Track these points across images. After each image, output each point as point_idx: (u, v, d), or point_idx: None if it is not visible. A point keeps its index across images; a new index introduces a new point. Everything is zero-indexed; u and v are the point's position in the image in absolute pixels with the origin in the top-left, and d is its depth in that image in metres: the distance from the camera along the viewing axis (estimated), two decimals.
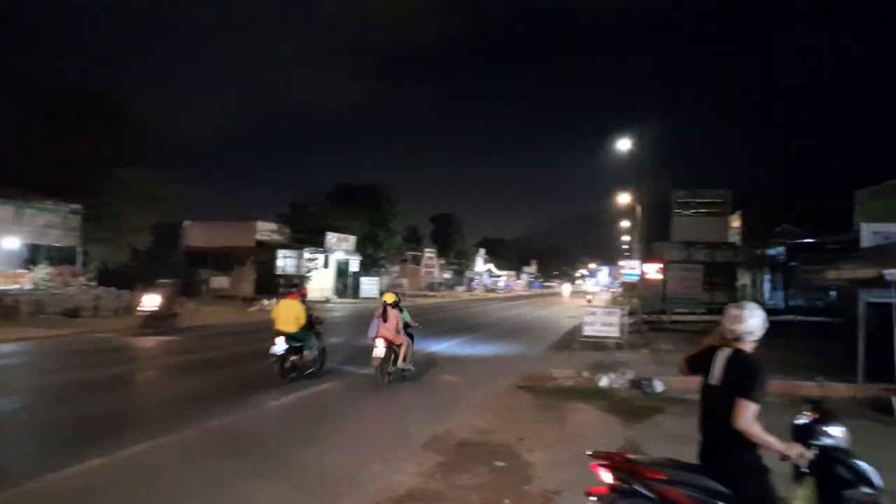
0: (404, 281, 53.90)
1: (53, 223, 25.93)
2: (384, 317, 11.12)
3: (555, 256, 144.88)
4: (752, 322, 3.62)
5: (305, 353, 11.29)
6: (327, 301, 39.56)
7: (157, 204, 30.33)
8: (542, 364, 14.06)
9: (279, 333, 10.83)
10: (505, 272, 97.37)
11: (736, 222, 37.00)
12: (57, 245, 26.52)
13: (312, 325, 11.63)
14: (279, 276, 34.91)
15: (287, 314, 11.04)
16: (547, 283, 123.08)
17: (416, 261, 63.20)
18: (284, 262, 35.99)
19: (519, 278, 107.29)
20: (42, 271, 24.79)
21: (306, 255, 37.22)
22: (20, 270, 24.94)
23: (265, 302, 31.30)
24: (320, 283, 40.91)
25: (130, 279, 27.21)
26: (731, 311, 3.71)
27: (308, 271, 37.96)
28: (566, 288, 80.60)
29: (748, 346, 3.65)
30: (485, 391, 11.18)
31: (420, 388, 11.48)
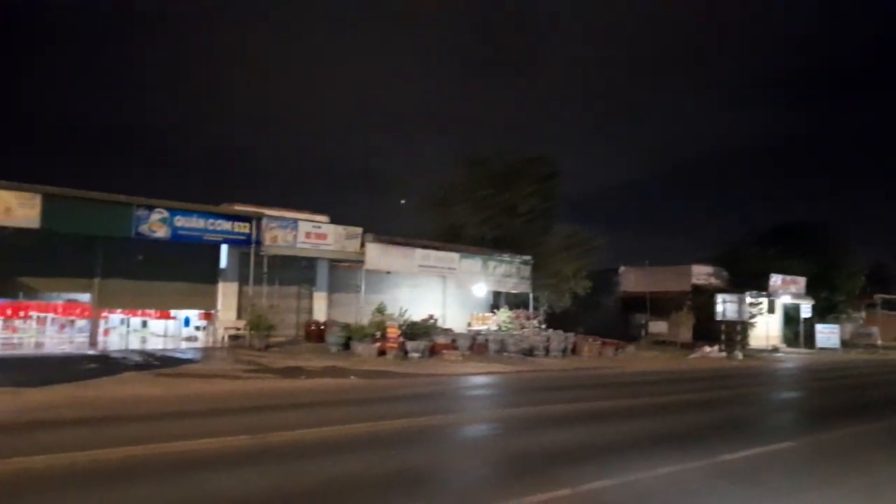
0: (874, 329, 45.14)
1: (510, 273, 29.60)
2: None
3: None
4: None
5: None
6: (775, 350, 35.67)
7: (590, 252, 32.40)
8: None
9: None
10: None
11: None
12: (513, 292, 30.16)
13: None
14: (719, 321, 32.97)
15: None
16: None
17: (891, 305, 52.36)
18: (724, 306, 33.86)
19: None
20: (503, 315, 28.50)
21: (748, 299, 34.38)
22: (487, 314, 29.20)
23: (706, 349, 29.87)
24: (765, 331, 37.22)
25: (572, 322, 29.30)
26: None
27: (751, 317, 34.94)
28: None
29: None
30: None
31: None
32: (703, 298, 35.86)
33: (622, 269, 40.57)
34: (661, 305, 36.74)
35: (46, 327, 20.72)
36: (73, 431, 9.02)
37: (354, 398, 13.29)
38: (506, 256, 29.34)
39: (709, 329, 33.40)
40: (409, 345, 21.25)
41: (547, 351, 24.88)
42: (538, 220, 32.04)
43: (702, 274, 38.44)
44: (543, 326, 29.18)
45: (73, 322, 21.11)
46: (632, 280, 40.39)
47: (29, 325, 20.41)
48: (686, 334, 35.28)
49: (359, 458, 7.87)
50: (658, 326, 35.50)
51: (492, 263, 28.93)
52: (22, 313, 20.28)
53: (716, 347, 30.43)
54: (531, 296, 30.37)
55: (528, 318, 29.04)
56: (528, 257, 29.87)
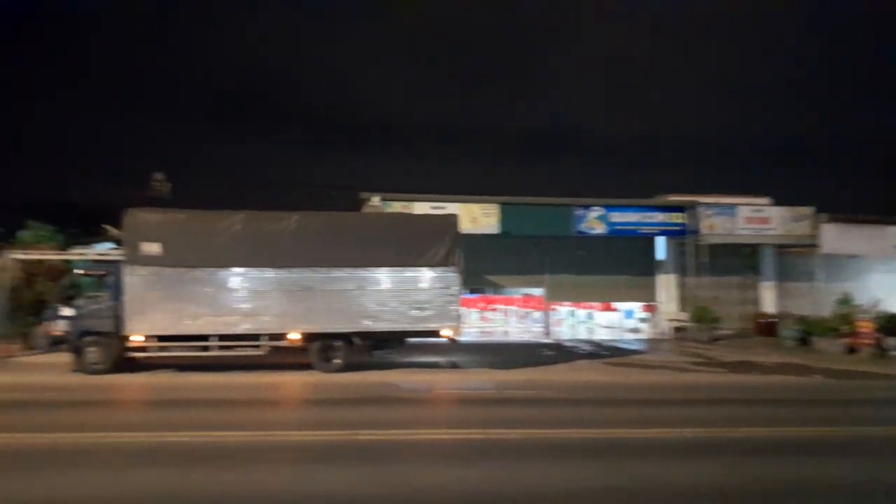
0: None
1: None
2: None
3: None
4: None
5: None
6: None
7: None
8: None
9: None
10: None
11: None
12: None
13: None
14: None
15: None
16: None
17: None
18: None
19: None
20: None
21: None
22: None
23: None
24: None
25: None
26: None
27: None
28: None
29: None
30: None
31: None
32: None
33: None
34: None
35: (509, 318, 23.72)
36: (530, 409, 9.93)
37: (821, 398, 11.56)
38: None
39: None
40: (889, 341, 17.68)
41: None
42: None
43: None
44: None
45: (529, 313, 23.68)
46: None
47: (496, 316, 23.69)
48: None
49: (834, 462, 6.71)
50: None
51: None
52: (491, 306, 23.68)
53: None
54: None
55: None
56: None
